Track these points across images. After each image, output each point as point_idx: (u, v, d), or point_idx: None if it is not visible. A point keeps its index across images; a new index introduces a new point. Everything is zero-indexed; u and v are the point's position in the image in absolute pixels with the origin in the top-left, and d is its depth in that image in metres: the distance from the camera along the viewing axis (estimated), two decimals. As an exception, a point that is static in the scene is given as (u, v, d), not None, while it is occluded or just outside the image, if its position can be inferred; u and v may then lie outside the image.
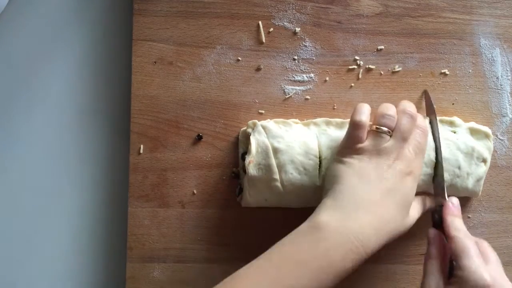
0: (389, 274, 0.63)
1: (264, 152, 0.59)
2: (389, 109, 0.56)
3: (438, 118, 0.61)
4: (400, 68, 0.64)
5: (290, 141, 0.59)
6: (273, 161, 0.58)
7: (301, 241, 0.50)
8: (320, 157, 0.59)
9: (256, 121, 0.61)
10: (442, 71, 0.65)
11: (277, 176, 0.58)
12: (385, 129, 0.54)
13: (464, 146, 0.60)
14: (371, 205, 0.51)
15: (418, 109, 0.62)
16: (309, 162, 0.58)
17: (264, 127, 0.60)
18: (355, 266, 0.50)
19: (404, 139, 0.54)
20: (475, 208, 0.64)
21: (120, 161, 0.65)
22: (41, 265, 0.65)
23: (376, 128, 0.55)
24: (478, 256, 0.50)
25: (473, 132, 0.62)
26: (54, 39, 0.67)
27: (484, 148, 0.61)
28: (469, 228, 0.63)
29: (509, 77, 0.65)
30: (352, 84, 0.64)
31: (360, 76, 0.64)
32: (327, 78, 0.64)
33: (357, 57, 0.64)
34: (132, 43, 0.63)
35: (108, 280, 0.65)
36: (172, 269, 0.62)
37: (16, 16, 0.67)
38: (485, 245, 0.53)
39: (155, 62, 0.63)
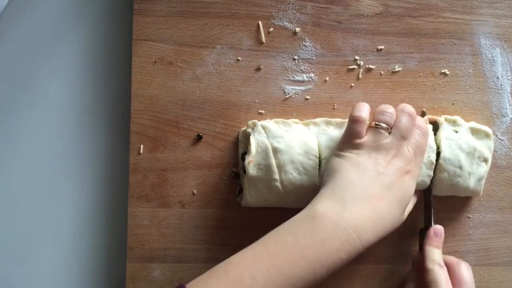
0: (389, 274, 0.63)
1: (264, 152, 0.58)
2: (387, 107, 0.56)
3: (441, 116, 0.61)
4: (400, 68, 0.64)
5: (290, 141, 0.59)
6: (273, 161, 0.58)
7: (297, 231, 0.50)
8: (320, 157, 0.59)
9: (256, 121, 0.61)
10: (442, 71, 0.65)
11: (277, 176, 0.58)
12: (383, 125, 0.55)
13: (466, 145, 0.60)
14: (369, 199, 0.51)
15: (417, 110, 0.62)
16: (309, 162, 0.58)
17: (264, 127, 0.60)
18: (350, 259, 0.50)
19: (403, 137, 0.54)
20: (475, 208, 0.64)
21: (120, 161, 0.65)
22: (41, 265, 0.65)
23: (375, 124, 0.55)
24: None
25: (474, 131, 0.61)
26: (54, 39, 0.67)
27: (485, 147, 0.61)
28: (469, 228, 0.63)
29: (509, 77, 0.65)
30: (352, 84, 0.64)
31: (360, 76, 0.64)
32: (327, 78, 0.64)
33: (357, 57, 0.64)
34: (132, 43, 0.63)
35: (108, 280, 0.65)
36: (172, 269, 0.62)
37: (16, 16, 0.67)
38: (463, 267, 0.57)
39: (155, 62, 0.63)
